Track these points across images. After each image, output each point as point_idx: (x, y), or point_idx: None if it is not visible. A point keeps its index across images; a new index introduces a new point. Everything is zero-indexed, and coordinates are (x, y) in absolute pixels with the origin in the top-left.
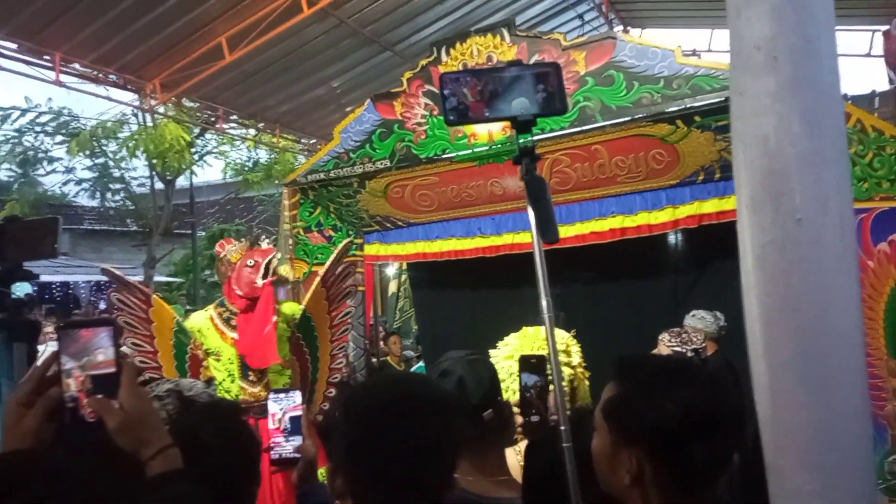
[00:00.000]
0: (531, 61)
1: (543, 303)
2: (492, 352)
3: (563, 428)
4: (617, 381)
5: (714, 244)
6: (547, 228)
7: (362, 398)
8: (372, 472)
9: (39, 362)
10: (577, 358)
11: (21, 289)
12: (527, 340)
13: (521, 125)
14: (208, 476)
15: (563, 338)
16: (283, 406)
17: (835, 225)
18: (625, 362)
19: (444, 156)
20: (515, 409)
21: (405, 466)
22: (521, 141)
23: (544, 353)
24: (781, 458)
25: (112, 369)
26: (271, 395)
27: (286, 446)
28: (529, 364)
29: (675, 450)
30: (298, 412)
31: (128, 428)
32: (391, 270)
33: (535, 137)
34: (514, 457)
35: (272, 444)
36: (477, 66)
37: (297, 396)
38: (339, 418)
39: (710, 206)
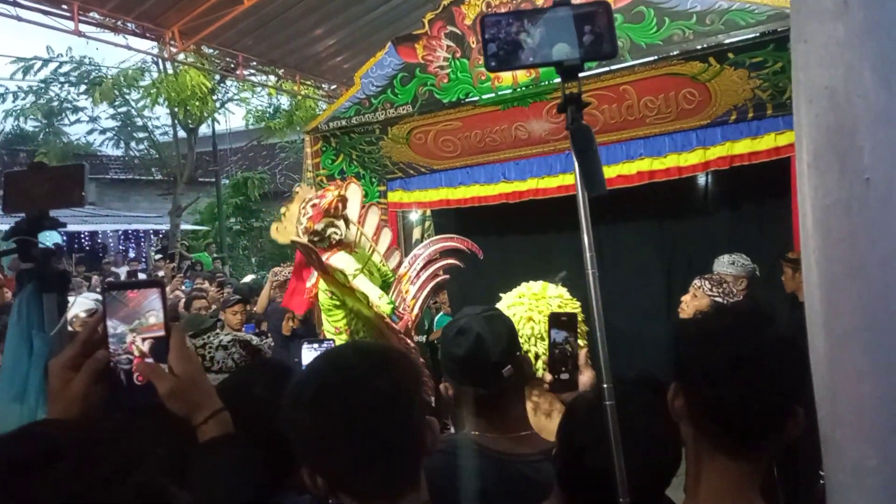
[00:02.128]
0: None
1: (587, 256)
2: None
3: (605, 385)
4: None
5: (745, 186)
6: (593, 180)
7: (300, 392)
8: (343, 458)
9: (77, 320)
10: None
11: (50, 238)
12: (533, 297)
13: (567, 71)
14: (260, 431)
15: (565, 295)
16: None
17: None
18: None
19: (467, 100)
20: (541, 367)
21: (365, 437)
22: (567, 87)
23: (541, 313)
24: (840, 431)
25: (161, 332)
26: (305, 345)
27: None
28: (559, 321)
29: (703, 386)
30: None
31: (179, 393)
32: (414, 217)
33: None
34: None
35: None
36: (515, 7)
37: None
38: (287, 419)
39: (742, 147)
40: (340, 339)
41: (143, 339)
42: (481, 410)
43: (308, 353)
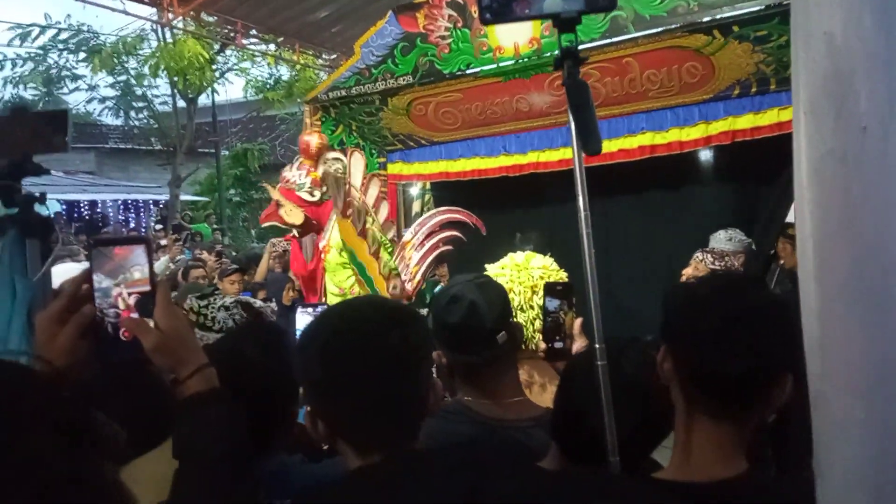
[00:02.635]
0: None
1: (581, 215)
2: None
3: (598, 346)
4: None
5: (746, 161)
6: (589, 138)
7: (312, 337)
8: (337, 400)
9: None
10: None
11: (50, 207)
12: (515, 268)
13: (564, 23)
14: (250, 393)
15: (550, 266)
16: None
17: None
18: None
19: (468, 71)
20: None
21: (366, 383)
22: (565, 41)
23: (522, 284)
24: (828, 384)
25: (147, 288)
26: (299, 309)
27: None
28: (554, 290)
29: (689, 348)
30: None
31: (163, 348)
32: (415, 190)
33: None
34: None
35: None
36: None
37: None
38: (297, 362)
39: (745, 122)
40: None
41: (129, 294)
42: (474, 377)
43: (303, 318)
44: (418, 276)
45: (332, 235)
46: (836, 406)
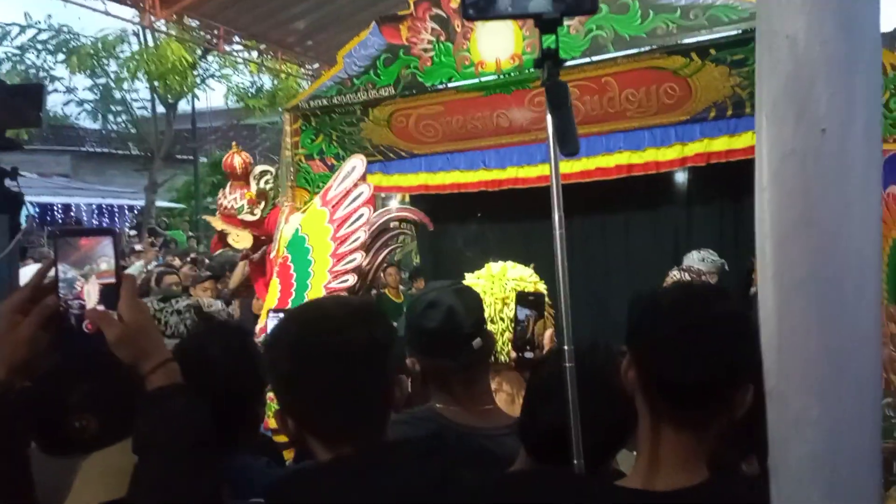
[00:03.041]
0: None
1: (556, 217)
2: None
3: (566, 348)
4: None
5: (719, 184)
6: (566, 138)
7: (280, 335)
8: (306, 397)
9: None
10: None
11: (21, 210)
12: (489, 279)
13: (546, 24)
14: (214, 393)
15: (528, 277)
16: None
17: (861, 138)
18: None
19: (450, 84)
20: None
21: (333, 379)
22: (546, 42)
23: (493, 295)
24: (784, 383)
25: (112, 280)
26: (270, 313)
27: None
28: (526, 299)
29: (649, 355)
30: None
31: (127, 341)
32: (393, 203)
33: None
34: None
35: None
36: None
37: None
38: (266, 359)
39: (720, 145)
40: None
41: (95, 285)
42: (447, 384)
43: (273, 322)
44: (369, 278)
45: (284, 237)
46: (792, 404)
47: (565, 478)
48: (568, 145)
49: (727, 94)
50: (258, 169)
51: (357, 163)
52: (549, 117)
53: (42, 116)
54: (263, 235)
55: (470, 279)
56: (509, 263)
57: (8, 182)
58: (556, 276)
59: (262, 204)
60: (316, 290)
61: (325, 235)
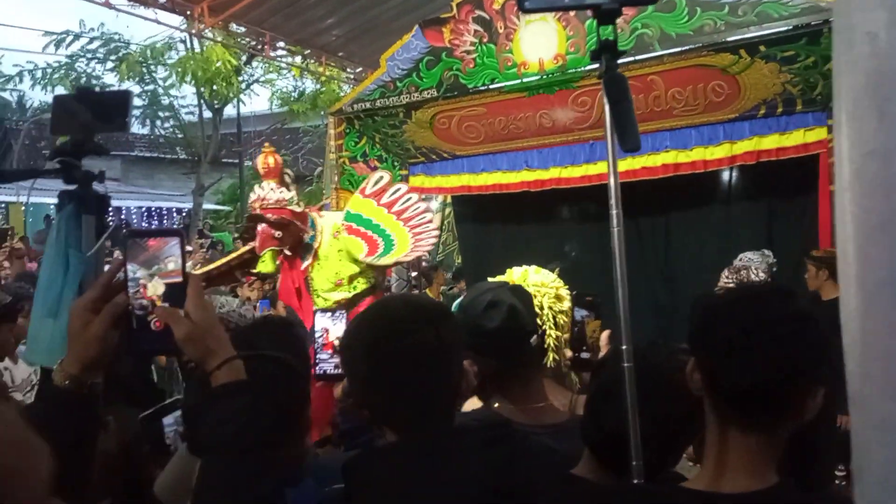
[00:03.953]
0: None
1: (613, 213)
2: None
3: (624, 348)
4: None
5: (770, 182)
6: (626, 133)
7: (356, 338)
8: (381, 393)
9: (106, 269)
10: (568, 303)
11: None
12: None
13: (604, 15)
14: (267, 385)
15: (552, 281)
16: (329, 325)
17: None
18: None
19: (492, 86)
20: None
21: (405, 378)
22: (604, 34)
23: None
24: (868, 386)
25: (179, 279)
26: (318, 313)
27: (330, 362)
28: (582, 301)
29: (714, 358)
30: (339, 332)
31: (194, 338)
32: (434, 204)
33: (589, 67)
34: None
35: (317, 361)
36: None
37: (343, 318)
38: (342, 350)
39: (770, 142)
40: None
41: (163, 284)
42: (505, 383)
43: (321, 321)
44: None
45: (328, 222)
46: (876, 408)
47: (626, 489)
48: (628, 141)
49: (777, 92)
50: (287, 172)
51: (384, 174)
52: (607, 112)
53: (128, 122)
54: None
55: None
56: (532, 268)
57: (96, 185)
58: (614, 274)
59: (295, 198)
60: (402, 246)
61: (381, 211)
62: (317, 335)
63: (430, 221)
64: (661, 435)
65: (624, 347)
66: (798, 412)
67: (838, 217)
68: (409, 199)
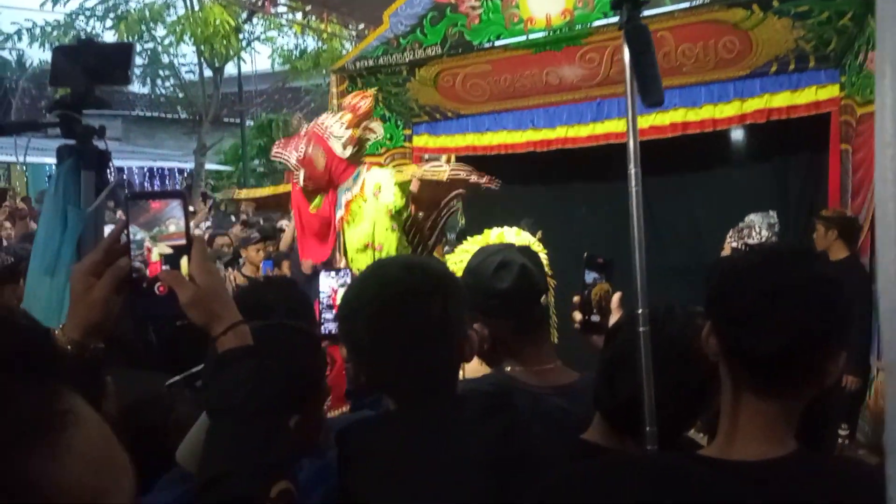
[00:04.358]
0: None
1: (632, 172)
2: (449, 256)
3: (640, 311)
4: None
5: (777, 141)
6: (650, 87)
7: (357, 304)
8: (382, 364)
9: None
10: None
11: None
12: (476, 247)
13: None
14: (274, 347)
15: (533, 244)
16: (335, 284)
17: None
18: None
19: (498, 43)
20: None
21: (408, 350)
22: None
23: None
24: None
25: (182, 241)
26: (322, 272)
27: (336, 322)
28: (595, 263)
29: (732, 322)
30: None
31: (199, 302)
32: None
33: (597, 23)
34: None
35: (322, 321)
36: None
37: (347, 276)
38: (343, 327)
39: (781, 100)
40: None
41: (166, 247)
42: (517, 345)
43: (326, 281)
44: (433, 239)
45: (370, 182)
46: None
47: (638, 459)
48: (651, 95)
49: (790, 48)
50: (373, 123)
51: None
52: (627, 65)
53: (130, 75)
54: (332, 177)
55: (466, 246)
56: (512, 230)
57: (95, 140)
58: (630, 235)
59: (354, 149)
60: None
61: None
62: (322, 294)
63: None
64: (675, 401)
65: (640, 311)
66: (820, 378)
67: (878, 175)
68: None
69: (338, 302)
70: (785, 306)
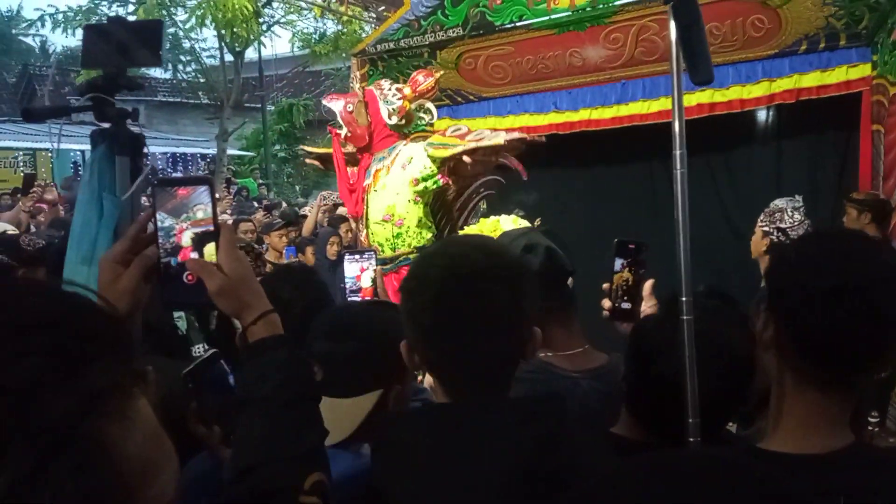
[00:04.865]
0: None
1: (676, 154)
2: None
3: (684, 300)
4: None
5: (810, 121)
6: (698, 64)
7: (425, 283)
8: (440, 348)
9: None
10: None
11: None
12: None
13: None
14: (293, 333)
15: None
16: (361, 266)
17: None
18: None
19: (520, 23)
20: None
21: (471, 339)
22: None
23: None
24: None
25: (210, 227)
26: (347, 256)
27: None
28: (626, 249)
29: (802, 315)
30: (371, 274)
31: (229, 291)
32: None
33: (621, 1)
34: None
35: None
36: None
37: (372, 258)
38: (405, 293)
39: (811, 80)
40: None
41: (194, 234)
42: (547, 331)
43: (350, 265)
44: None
45: (403, 154)
46: None
47: (697, 456)
48: (701, 72)
49: (820, 26)
50: (430, 104)
51: (461, 126)
52: (673, 41)
53: (161, 55)
54: (369, 141)
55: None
56: (508, 218)
57: (129, 123)
58: (675, 217)
59: (400, 120)
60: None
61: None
62: (348, 280)
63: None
64: (712, 395)
65: (683, 299)
66: (882, 366)
67: None
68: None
69: (363, 284)
70: (858, 296)
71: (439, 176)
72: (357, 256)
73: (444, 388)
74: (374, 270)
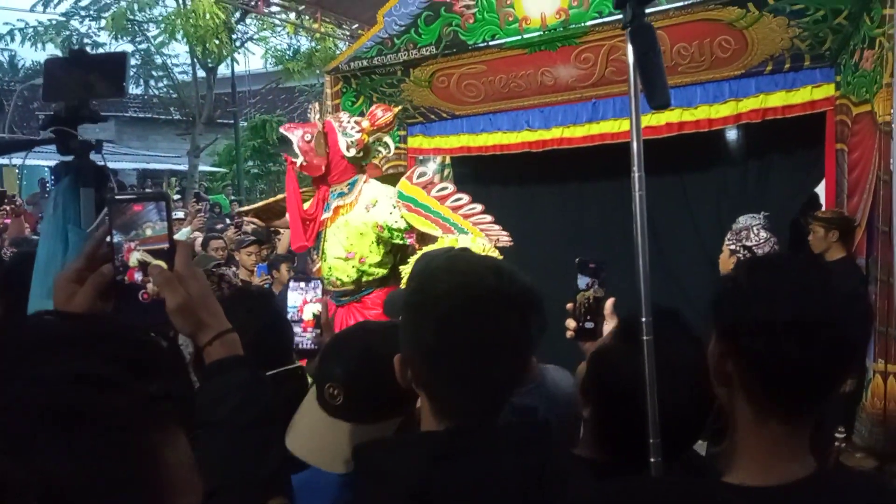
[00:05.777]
0: None
1: (635, 176)
2: (402, 267)
3: (644, 319)
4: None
5: (775, 140)
6: (655, 88)
7: (429, 301)
8: (440, 369)
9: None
10: None
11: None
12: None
13: None
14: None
15: (484, 248)
16: (304, 297)
17: None
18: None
19: (493, 42)
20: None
21: (476, 363)
22: None
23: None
24: None
25: (165, 244)
26: (291, 284)
27: (304, 336)
28: (587, 267)
29: (762, 348)
30: (318, 306)
31: (187, 309)
32: (433, 165)
33: (592, 22)
34: None
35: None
36: None
37: (318, 288)
38: (406, 309)
39: (776, 100)
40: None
41: (147, 251)
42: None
43: (294, 294)
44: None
45: (366, 194)
46: None
47: (667, 485)
48: (657, 96)
49: (785, 47)
50: (388, 138)
51: (425, 170)
52: (631, 65)
53: (125, 87)
54: (330, 172)
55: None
56: (467, 237)
57: (93, 155)
58: (634, 240)
59: (358, 153)
60: (476, 234)
61: (434, 202)
62: (291, 309)
63: (493, 221)
64: (677, 422)
65: (643, 319)
66: (837, 390)
67: None
68: (460, 198)
69: (304, 317)
70: (822, 329)
71: (407, 235)
72: (302, 285)
73: (434, 408)
74: (320, 302)
